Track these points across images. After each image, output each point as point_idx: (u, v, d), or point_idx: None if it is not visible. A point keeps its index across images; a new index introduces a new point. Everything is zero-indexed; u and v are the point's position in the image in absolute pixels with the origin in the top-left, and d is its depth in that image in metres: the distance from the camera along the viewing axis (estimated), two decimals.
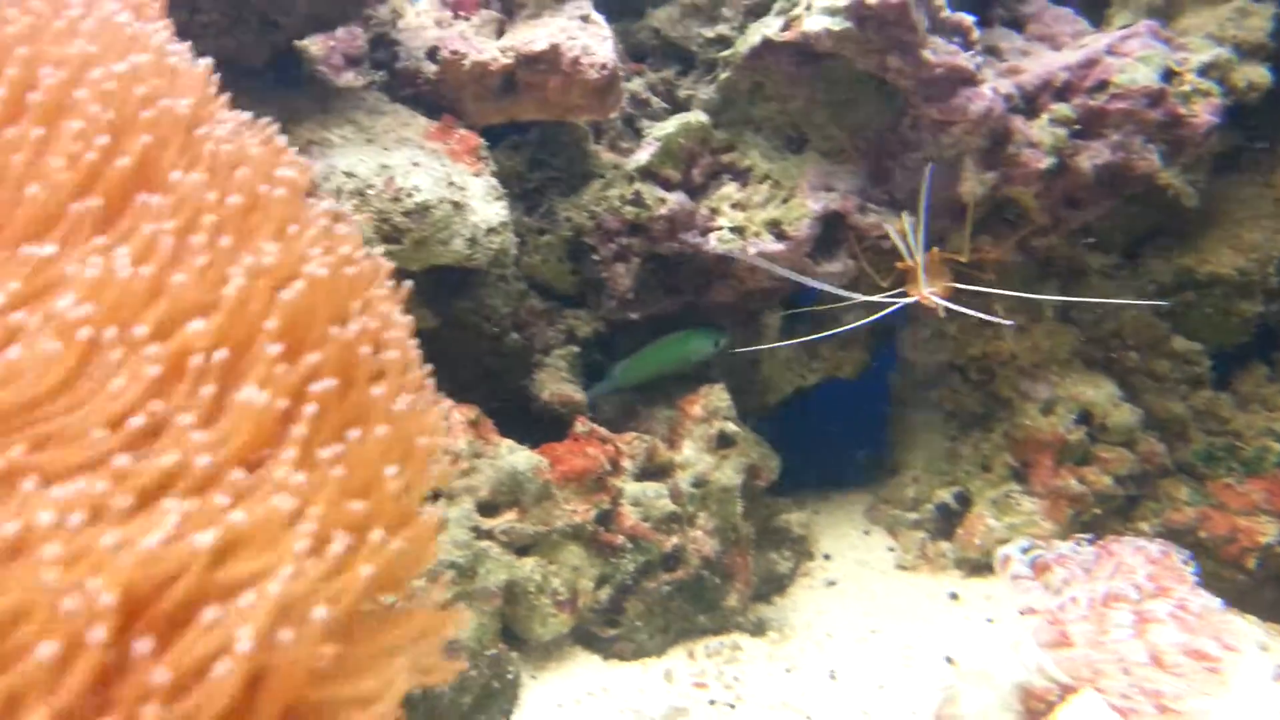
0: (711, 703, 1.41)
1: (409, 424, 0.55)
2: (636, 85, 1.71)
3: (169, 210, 0.53)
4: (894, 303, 1.50)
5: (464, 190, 1.38)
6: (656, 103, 1.71)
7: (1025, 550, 1.07)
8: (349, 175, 1.31)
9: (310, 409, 0.48)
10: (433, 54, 1.53)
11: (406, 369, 0.62)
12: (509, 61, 1.48)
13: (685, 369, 1.70)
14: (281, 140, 0.69)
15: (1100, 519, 1.63)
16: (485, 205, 1.40)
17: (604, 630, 1.50)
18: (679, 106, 1.74)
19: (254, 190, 0.58)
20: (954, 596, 1.60)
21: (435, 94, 1.54)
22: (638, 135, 1.69)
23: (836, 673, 1.46)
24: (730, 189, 1.59)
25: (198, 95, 0.64)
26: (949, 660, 1.44)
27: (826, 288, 1.59)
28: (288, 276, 0.54)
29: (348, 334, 0.53)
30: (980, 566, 1.64)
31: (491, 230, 1.39)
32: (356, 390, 0.53)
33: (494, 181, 1.44)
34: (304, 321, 0.54)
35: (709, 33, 1.70)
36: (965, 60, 1.40)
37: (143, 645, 0.38)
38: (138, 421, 0.44)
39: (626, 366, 1.68)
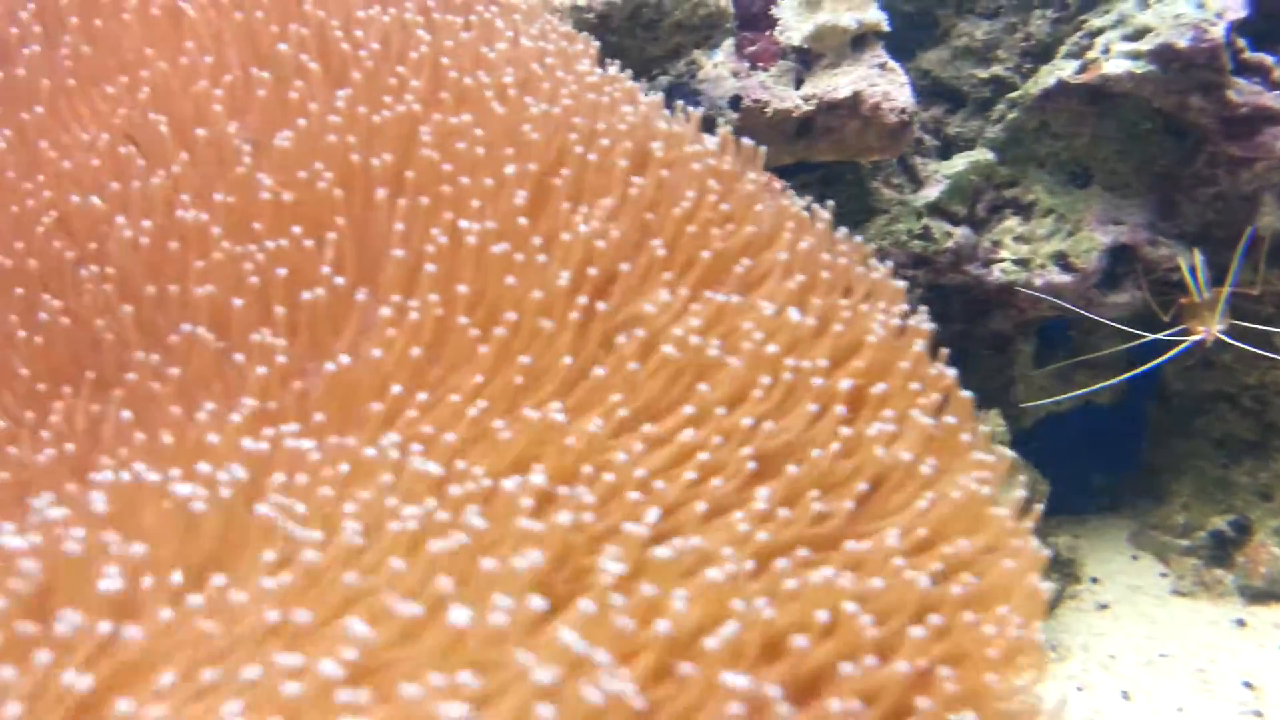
0: None
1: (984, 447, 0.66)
2: None
3: (796, 266, 0.65)
4: (1179, 342, 1.55)
5: None
6: (928, 140, 1.80)
7: None
8: None
9: (965, 436, 0.59)
10: (735, 102, 1.65)
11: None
12: (810, 109, 1.59)
13: None
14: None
15: None
16: None
17: None
18: (948, 144, 1.82)
19: (827, 244, 0.70)
20: (1241, 623, 1.61)
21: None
22: (908, 171, 1.78)
23: (1130, 693, 1.50)
24: (1012, 222, 1.66)
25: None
26: (1249, 686, 1.47)
27: (1101, 320, 1.64)
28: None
29: (947, 373, 0.64)
30: (1264, 595, 1.66)
31: None
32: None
33: None
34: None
35: (982, 74, 1.78)
36: (1271, 100, 1.44)
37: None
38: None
39: None
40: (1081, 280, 1.60)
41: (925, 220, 1.65)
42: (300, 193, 0.71)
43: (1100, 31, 1.58)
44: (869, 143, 1.61)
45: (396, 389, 0.58)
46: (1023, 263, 1.63)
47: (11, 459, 0.63)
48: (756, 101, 1.63)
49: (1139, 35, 1.51)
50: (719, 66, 1.72)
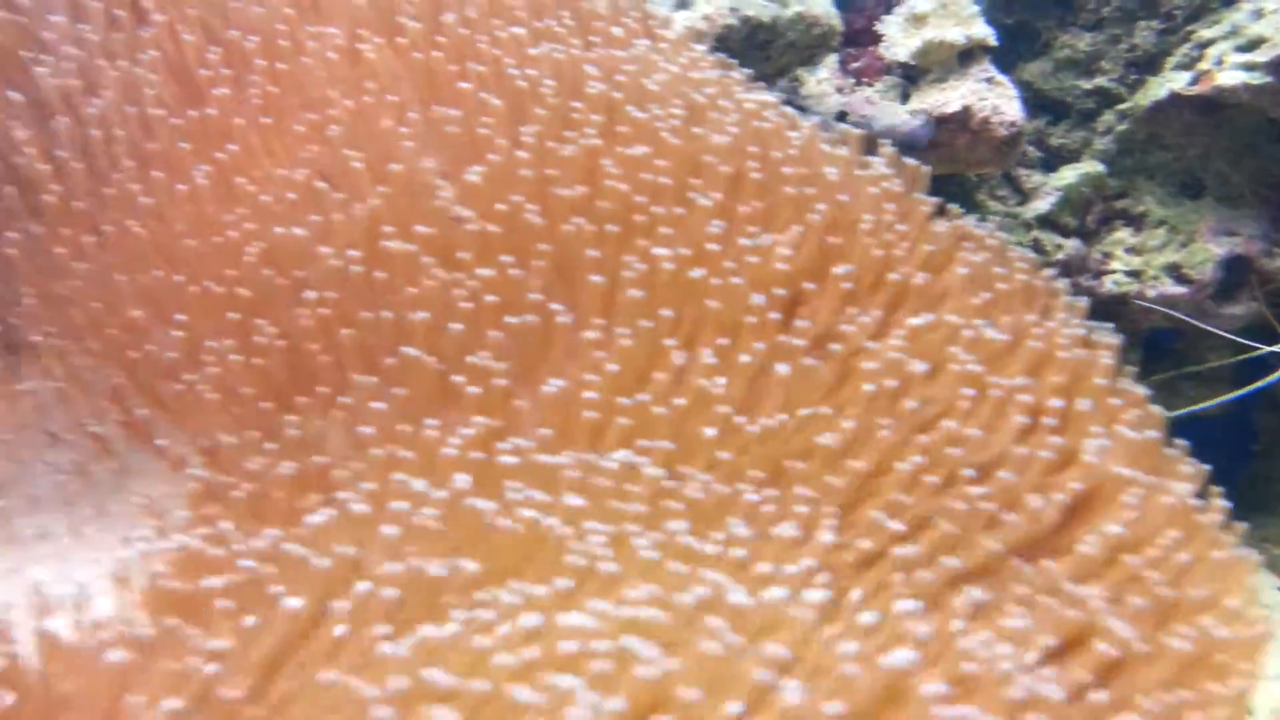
0: None
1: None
2: None
3: (978, 282, 0.68)
4: None
5: None
6: (1032, 152, 1.81)
7: None
8: None
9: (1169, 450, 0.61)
10: (841, 118, 1.68)
11: None
12: (919, 123, 1.61)
13: None
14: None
15: None
16: None
17: None
18: (1050, 155, 1.82)
19: (1002, 259, 0.72)
20: None
21: None
22: (1011, 183, 1.79)
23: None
24: (1123, 234, 1.66)
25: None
26: None
27: (1218, 331, 1.64)
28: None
29: (1137, 388, 0.66)
30: None
31: None
32: None
33: None
34: None
35: (1086, 85, 1.78)
36: None
37: None
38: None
39: None
40: (1196, 291, 1.60)
41: (1035, 232, 1.66)
42: (503, 223, 0.75)
43: (1210, 42, 1.58)
44: (979, 156, 1.62)
45: (621, 401, 0.62)
46: (1135, 274, 1.64)
47: (248, 473, 0.69)
48: (863, 117, 1.66)
49: (1253, 46, 1.50)
50: (822, 83, 1.75)
